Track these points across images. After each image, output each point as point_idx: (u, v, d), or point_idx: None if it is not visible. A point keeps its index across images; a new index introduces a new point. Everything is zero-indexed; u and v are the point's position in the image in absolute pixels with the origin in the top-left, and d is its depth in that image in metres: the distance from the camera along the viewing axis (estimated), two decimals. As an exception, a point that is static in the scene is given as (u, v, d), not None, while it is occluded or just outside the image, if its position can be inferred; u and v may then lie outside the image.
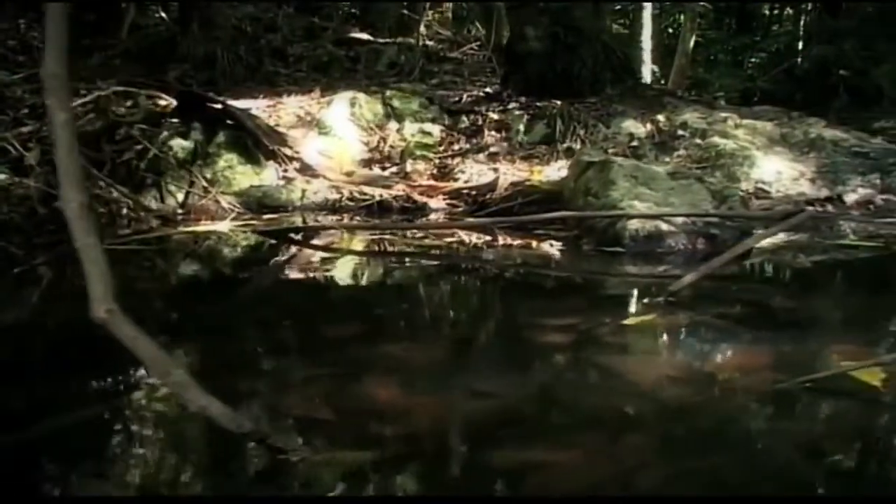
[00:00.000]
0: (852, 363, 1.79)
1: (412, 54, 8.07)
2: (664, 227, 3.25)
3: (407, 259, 3.58)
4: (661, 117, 5.12)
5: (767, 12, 15.05)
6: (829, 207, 4.71)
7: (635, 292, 2.61)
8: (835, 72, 12.77)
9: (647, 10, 9.99)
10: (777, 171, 4.92)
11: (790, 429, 1.61)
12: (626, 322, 2.29)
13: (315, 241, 3.85)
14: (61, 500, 1.34)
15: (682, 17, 10.55)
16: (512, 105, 5.48)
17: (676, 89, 10.73)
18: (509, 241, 3.73)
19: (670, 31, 11.95)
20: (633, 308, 2.46)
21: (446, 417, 1.70)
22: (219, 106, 5.22)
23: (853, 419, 1.66)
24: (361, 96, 5.65)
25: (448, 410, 1.73)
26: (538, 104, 5.34)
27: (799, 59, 14.19)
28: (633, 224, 3.27)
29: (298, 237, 3.90)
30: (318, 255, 3.62)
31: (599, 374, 1.94)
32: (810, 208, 2.85)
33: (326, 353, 2.08)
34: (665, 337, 2.18)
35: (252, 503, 1.33)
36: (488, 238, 3.80)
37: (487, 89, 6.07)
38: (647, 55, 9.86)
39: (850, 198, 5.00)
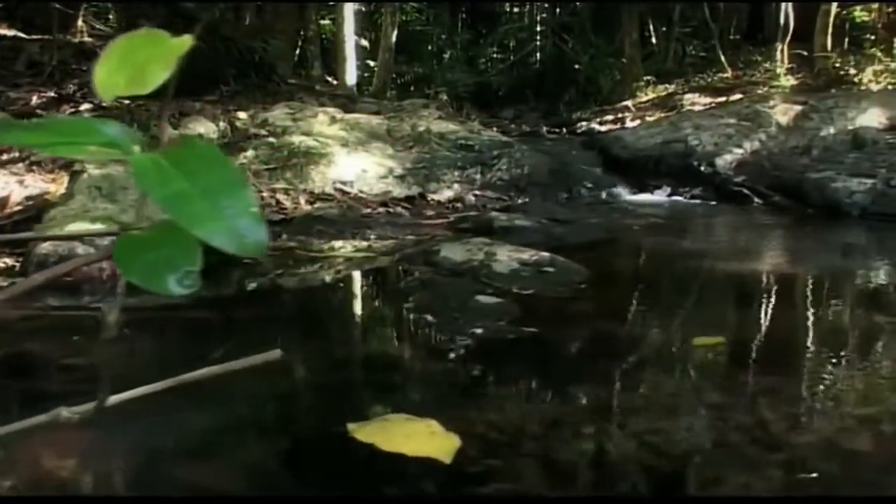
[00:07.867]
0: None
1: (59, 52, 7.25)
2: (81, 249, 2.74)
3: None
4: (242, 115, 4.67)
5: (508, 8, 15.28)
6: (400, 208, 4.45)
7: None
8: (567, 65, 13.13)
9: (349, 7, 9.63)
10: (362, 170, 4.61)
11: None
12: None
13: None
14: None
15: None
16: (85, 106, 4.84)
17: (382, 86, 10.51)
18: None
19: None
20: None
21: None
22: None
23: None
24: None
25: None
26: (105, 105, 4.73)
27: (538, 54, 14.55)
28: (45, 248, 2.75)
29: None
30: None
31: None
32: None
33: None
34: None
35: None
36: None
37: (66, 90, 5.39)
38: (350, 52, 9.50)
39: (441, 195, 4.78)
